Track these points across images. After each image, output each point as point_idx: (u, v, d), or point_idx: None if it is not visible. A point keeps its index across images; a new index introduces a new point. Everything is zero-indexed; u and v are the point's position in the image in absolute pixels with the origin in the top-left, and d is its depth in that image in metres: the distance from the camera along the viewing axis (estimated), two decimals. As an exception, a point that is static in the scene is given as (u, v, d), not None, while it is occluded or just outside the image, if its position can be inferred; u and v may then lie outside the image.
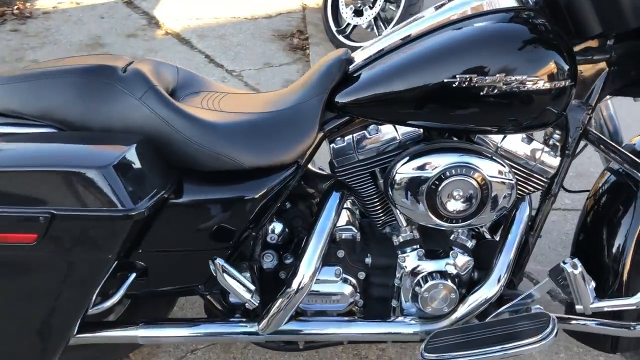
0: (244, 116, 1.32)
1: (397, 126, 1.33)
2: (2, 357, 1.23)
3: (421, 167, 1.27)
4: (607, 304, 1.31)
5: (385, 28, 3.34)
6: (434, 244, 1.42)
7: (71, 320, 1.19)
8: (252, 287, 1.30)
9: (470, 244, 1.43)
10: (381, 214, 1.43)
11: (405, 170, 1.28)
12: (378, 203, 1.41)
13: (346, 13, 3.47)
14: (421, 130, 1.34)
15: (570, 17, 1.29)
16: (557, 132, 1.40)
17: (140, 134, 1.22)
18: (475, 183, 1.26)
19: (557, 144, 1.40)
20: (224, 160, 1.26)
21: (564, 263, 1.29)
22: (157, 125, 1.24)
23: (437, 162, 1.27)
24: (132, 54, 3.28)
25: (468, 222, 1.31)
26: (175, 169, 1.24)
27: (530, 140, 1.37)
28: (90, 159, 1.09)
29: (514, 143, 1.36)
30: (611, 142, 1.45)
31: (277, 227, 1.43)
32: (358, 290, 1.43)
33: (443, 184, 1.26)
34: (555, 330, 1.32)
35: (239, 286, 1.29)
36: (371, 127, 1.35)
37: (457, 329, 1.39)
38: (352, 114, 1.34)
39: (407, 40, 1.31)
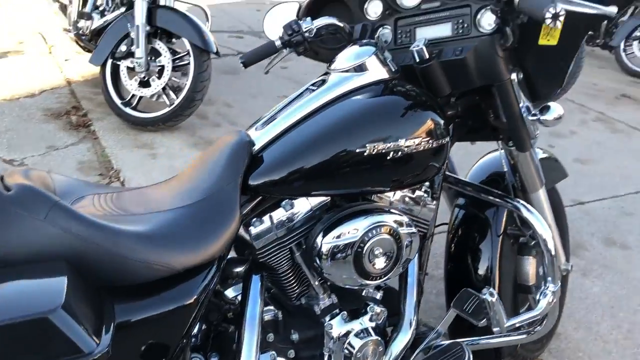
0: (161, 215, 1.21)
1: (308, 198, 1.37)
2: None
3: (344, 235, 1.33)
4: (518, 320, 1.53)
5: (177, 97, 3.30)
6: (351, 304, 1.48)
7: None
8: None
9: (379, 295, 1.52)
10: (296, 288, 1.43)
11: (329, 240, 1.32)
12: (293, 277, 1.42)
13: (131, 85, 3.34)
14: (329, 198, 1.41)
15: (424, 81, 1.50)
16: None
17: (55, 259, 1.03)
18: (391, 238, 1.37)
19: (428, 190, 1.59)
20: (155, 267, 1.14)
21: (483, 294, 1.47)
22: (73, 244, 1.06)
23: (357, 227, 1.34)
24: None
25: (388, 275, 1.40)
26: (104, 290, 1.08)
27: (412, 191, 1.53)
28: (31, 304, 0.89)
29: (401, 196, 1.51)
30: (465, 179, 1.71)
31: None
32: None
33: (366, 245, 1.34)
34: (470, 355, 1.49)
35: None
36: (284, 202, 1.36)
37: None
38: (266, 194, 1.34)
39: (304, 117, 1.37)
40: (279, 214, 1.35)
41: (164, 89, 3.32)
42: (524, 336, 1.62)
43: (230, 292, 1.44)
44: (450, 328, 1.65)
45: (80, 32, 3.60)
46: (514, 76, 1.49)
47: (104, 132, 3.31)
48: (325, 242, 1.32)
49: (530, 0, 1.18)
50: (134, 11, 3.24)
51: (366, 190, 1.41)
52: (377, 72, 1.42)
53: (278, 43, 1.58)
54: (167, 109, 3.30)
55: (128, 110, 3.34)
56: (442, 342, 1.55)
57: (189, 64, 3.28)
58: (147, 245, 1.13)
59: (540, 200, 1.67)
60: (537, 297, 1.59)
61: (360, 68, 1.42)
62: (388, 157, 1.34)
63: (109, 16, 3.65)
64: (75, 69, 4.17)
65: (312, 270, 1.41)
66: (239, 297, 1.41)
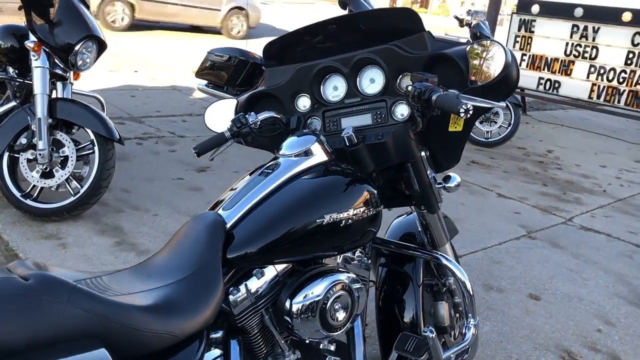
0: (159, 290, 1.36)
1: (275, 265, 1.59)
2: None
3: (310, 295, 1.56)
4: (451, 352, 1.83)
5: (81, 186, 3.33)
6: (312, 356, 1.69)
7: None
8: None
9: (332, 347, 1.75)
10: (264, 348, 1.62)
11: (298, 300, 1.55)
12: (261, 338, 1.61)
13: (32, 177, 3.31)
14: (291, 265, 1.64)
15: (353, 160, 1.82)
16: None
17: (80, 337, 1.15)
18: (346, 294, 1.62)
19: (362, 251, 1.89)
20: (163, 336, 1.29)
21: (424, 332, 1.75)
22: (94, 322, 1.19)
23: (319, 287, 1.58)
24: None
25: (345, 326, 1.64)
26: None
27: (353, 253, 1.82)
28: None
29: (344, 257, 1.79)
30: (389, 240, 2.03)
31: None
32: None
33: (329, 302, 1.58)
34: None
35: None
36: (255, 271, 1.57)
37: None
38: (240, 265, 1.54)
39: (266, 195, 1.61)
40: (252, 282, 1.55)
41: (67, 178, 3.34)
42: (457, 366, 1.93)
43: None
44: None
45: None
46: (423, 153, 1.86)
47: (4, 225, 3.22)
48: (295, 303, 1.55)
49: (445, 99, 1.55)
50: (32, 104, 3.28)
51: (321, 255, 1.67)
52: (319, 155, 1.72)
53: (227, 134, 1.81)
54: (72, 198, 3.31)
55: (29, 202, 3.30)
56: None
57: (92, 153, 3.35)
58: (154, 317, 1.29)
59: (448, 253, 2.03)
60: (463, 331, 1.92)
61: (306, 153, 1.71)
62: (340, 225, 1.61)
63: (-1, 109, 3.62)
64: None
65: (280, 329, 1.61)
66: None
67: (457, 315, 2.20)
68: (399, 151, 1.82)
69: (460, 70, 1.70)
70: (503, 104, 1.68)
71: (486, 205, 4.73)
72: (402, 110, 1.80)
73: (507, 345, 2.74)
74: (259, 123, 1.81)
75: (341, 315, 1.61)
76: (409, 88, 1.67)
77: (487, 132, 6.64)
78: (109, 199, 3.75)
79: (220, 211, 1.63)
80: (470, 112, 1.49)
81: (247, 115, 1.80)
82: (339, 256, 1.77)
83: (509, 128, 6.56)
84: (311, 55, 1.89)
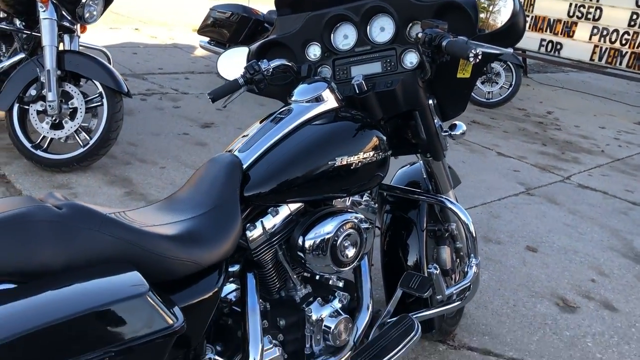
0: (183, 222, 1.44)
1: (289, 205, 1.67)
2: None
3: (321, 232, 1.65)
4: (454, 288, 1.93)
5: (90, 138, 3.39)
6: (322, 292, 1.79)
7: None
8: None
9: (341, 284, 1.84)
10: (277, 281, 1.72)
11: (310, 237, 1.64)
12: (275, 273, 1.70)
13: (42, 128, 3.37)
14: (303, 205, 1.72)
15: (362, 108, 1.88)
16: None
17: (111, 262, 1.24)
18: (355, 233, 1.71)
19: (369, 195, 1.97)
20: (187, 264, 1.37)
21: (429, 269, 1.85)
22: (123, 248, 1.27)
23: (330, 225, 1.66)
24: None
25: (354, 262, 1.73)
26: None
27: (361, 196, 1.90)
28: (124, 290, 1.10)
29: (352, 201, 1.87)
30: (395, 185, 2.11)
31: None
32: (283, 351, 1.67)
33: (339, 239, 1.66)
34: (418, 325, 1.86)
35: None
36: (270, 210, 1.65)
37: (361, 349, 1.78)
38: (256, 203, 1.62)
39: (280, 139, 1.67)
40: (267, 220, 1.64)
41: (76, 130, 3.40)
42: (458, 303, 2.03)
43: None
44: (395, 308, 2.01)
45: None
46: (430, 102, 1.92)
47: (16, 175, 3.29)
48: (307, 239, 1.63)
49: (455, 45, 1.61)
50: (41, 56, 3.31)
51: (331, 196, 1.75)
52: (330, 101, 1.78)
53: (241, 81, 1.87)
54: (81, 150, 3.37)
55: (39, 152, 3.36)
56: (393, 318, 1.91)
57: (100, 105, 3.40)
58: (179, 246, 1.37)
59: (452, 199, 2.11)
60: (465, 270, 2.02)
61: (317, 99, 1.77)
62: (350, 168, 1.69)
63: (6, 62, 3.65)
64: (-39, 115, 4.04)
65: (293, 265, 1.70)
66: (229, 296, 1.65)
67: (458, 260, 2.30)
68: (407, 99, 1.88)
69: (469, 18, 1.74)
70: (510, 50, 1.74)
71: (486, 164, 4.81)
72: (411, 58, 1.85)
73: (504, 292, 2.85)
74: (271, 70, 1.87)
75: (350, 252, 1.70)
76: (419, 35, 1.72)
77: (489, 92, 6.67)
78: (116, 151, 3.81)
79: (237, 153, 1.70)
80: (479, 57, 1.54)
81: (259, 62, 1.86)
82: (347, 199, 1.85)
83: (510, 89, 6.59)
84: (322, 3, 1.93)
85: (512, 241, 3.43)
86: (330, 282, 1.81)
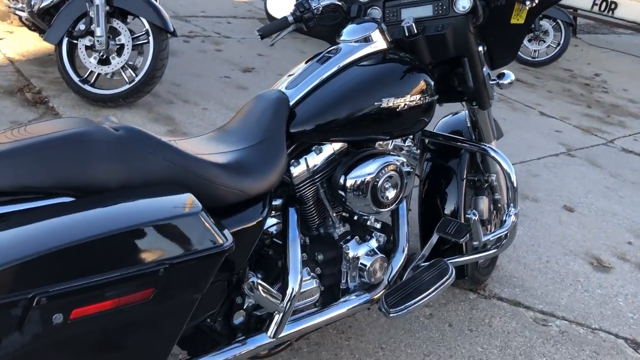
0: (232, 153, 1.49)
1: (332, 144, 1.70)
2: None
3: (363, 173, 1.67)
4: (491, 235, 1.96)
5: (136, 75, 3.45)
6: (360, 231, 1.83)
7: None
8: (280, 296, 1.49)
9: (378, 225, 1.88)
10: (317, 218, 1.76)
11: (352, 176, 1.66)
12: (315, 210, 1.74)
13: (90, 63, 3.43)
14: (346, 145, 1.74)
15: (410, 52, 1.87)
16: None
17: (165, 184, 1.29)
18: (397, 175, 1.73)
19: (412, 141, 1.98)
20: (234, 192, 1.42)
21: (467, 215, 1.87)
22: (177, 173, 1.32)
23: (373, 166, 1.69)
24: None
25: (393, 205, 1.76)
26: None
27: (403, 141, 1.91)
28: (178, 208, 1.16)
29: (395, 145, 1.88)
30: (436, 132, 2.11)
31: None
32: (320, 284, 1.73)
33: (380, 180, 1.69)
34: (452, 269, 1.89)
35: (271, 298, 1.46)
36: (314, 148, 1.68)
37: (394, 289, 1.82)
38: (301, 140, 1.65)
39: (328, 77, 1.69)
40: (311, 157, 1.67)
41: (122, 67, 3.46)
42: (494, 251, 2.06)
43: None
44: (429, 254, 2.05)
45: (34, 9, 3.61)
46: (480, 48, 1.90)
47: (64, 108, 3.39)
48: (349, 178, 1.66)
49: None
50: (90, -9, 3.34)
51: (375, 137, 1.76)
52: (380, 42, 1.78)
53: (290, 18, 1.87)
54: (127, 86, 3.44)
55: (87, 87, 3.44)
56: (427, 262, 1.95)
57: (146, 43, 3.44)
58: (228, 174, 1.42)
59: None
60: (504, 219, 2.03)
61: (366, 39, 1.76)
62: (396, 110, 1.70)
63: (58, -5, 3.69)
64: (12, 47, 4.14)
65: (333, 203, 1.74)
66: (270, 228, 1.70)
67: (495, 211, 2.31)
68: (457, 44, 1.86)
69: None
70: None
71: (527, 123, 4.73)
72: (464, 2, 1.82)
73: (538, 248, 2.86)
74: (320, 9, 1.87)
75: (390, 194, 1.72)
76: None
77: (535, 50, 6.48)
78: (160, 90, 3.87)
79: (284, 90, 1.72)
80: (536, 0, 1.51)
81: (309, 0, 1.85)
82: (390, 142, 1.86)
83: (558, 48, 6.39)
84: None
85: (549, 200, 3.40)
86: (368, 222, 1.85)
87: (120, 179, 1.25)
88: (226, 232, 1.23)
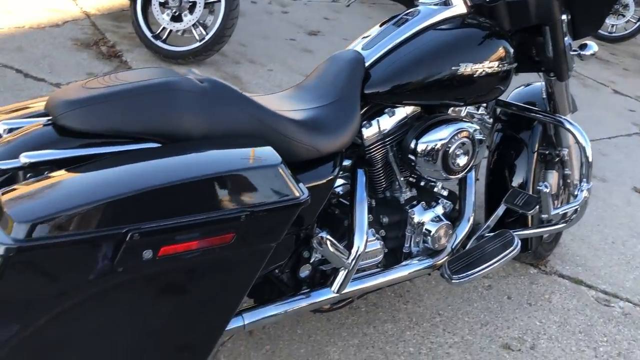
0: (307, 111, 1.51)
1: (405, 107, 1.70)
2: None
3: (435, 138, 1.67)
4: (562, 209, 1.93)
5: (206, 33, 3.50)
6: (426, 197, 1.83)
7: (231, 311, 1.25)
8: (346, 253, 1.52)
9: (445, 192, 1.87)
10: (384, 181, 1.77)
11: (425, 140, 1.66)
12: (383, 172, 1.75)
13: (163, 19, 3.51)
14: (419, 108, 1.73)
15: (490, 18, 1.82)
16: None
17: (245, 136, 1.32)
18: (469, 142, 1.71)
19: (484, 109, 1.95)
20: (308, 149, 1.45)
21: (539, 187, 1.85)
22: (257, 126, 1.35)
23: (445, 132, 1.68)
24: None
25: (464, 171, 1.75)
26: None
27: (477, 109, 1.88)
28: (262, 160, 1.19)
29: (467, 112, 1.86)
30: (510, 101, 2.07)
31: None
32: (384, 246, 1.75)
33: (452, 147, 1.68)
34: (517, 241, 1.87)
35: (338, 253, 1.50)
36: (387, 110, 1.68)
37: (457, 256, 1.83)
38: (375, 101, 1.65)
39: (405, 40, 1.67)
40: (383, 120, 1.67)
41: (194, 24, 3.52)
42: (562, 225, 2.02)
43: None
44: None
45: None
46: (563, 17, 1.83)
47: (136, 62, 3.49)
48: (421, 143, 1.66)
49: None
50: (165, -53, 3.39)
51: (448, 103, 1.75)
52: (459, 6, 1.74)
53: None
54: (197, 44, 3.50)
55: (159, 42, 3.52)
56: (492, 233, 1.93)
57: (218, 2, 3.48)
58: (303, 131, 1.44)
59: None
60: (575, 193, 1.99)
61: (445, 3, 1.73)
62: (473, 76, 1.67)
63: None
64: (88, 1, 4.26)
65: (401, 167, 1.74)
66: (338, 189, 1.72)
67: (564, 187, 2.26)
68: (539, 12, 1.80)
69: None
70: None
71: (599, 100, 4.55)
72: (550, -33, 1.76)
73: (604, 229, 2.78)
74: None
75: (461, 162, 1.71)
76: None
77: (612, 25, 6.19)
78: (227, 50, 3.92)
79: (360, 50, 1.72)
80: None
81: None
82: (463, 109, 1.84)
83: (638, 24, 6.08)
84: None
85: (619, 181, 3.29)
86: (435, 189, 1.84)
87: (203, 128, 1.29)
88: (302, 185, 1.25)
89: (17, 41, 3.41)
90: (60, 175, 1.06)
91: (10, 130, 1.26)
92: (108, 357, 1.14)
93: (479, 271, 1.78)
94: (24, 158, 1.10)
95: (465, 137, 1.70)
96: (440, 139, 1.67)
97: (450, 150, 1.68)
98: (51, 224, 0.96)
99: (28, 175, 1.14)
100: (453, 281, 1.76)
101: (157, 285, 1.12)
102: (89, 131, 1.19)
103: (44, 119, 1.22)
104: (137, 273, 1.06)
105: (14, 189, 1.02)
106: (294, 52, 4.24)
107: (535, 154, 2.09)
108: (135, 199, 1.02)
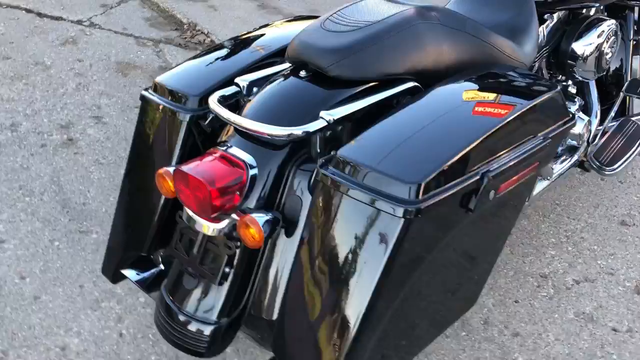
0: (506, 25, 1.51)
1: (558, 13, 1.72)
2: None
3: (593, 39, 1.72)
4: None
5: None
6: (566, 97, 1.89)
7: (507, 235, 1.31)
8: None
9: (574, 90, 1.94)
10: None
11: (584, 42, 1.71)
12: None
13: None
14: (567, 12, 1.76)
15: None
16: None
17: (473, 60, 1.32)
18: (614, 38, 1.78)
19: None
20: (520, 65, 1.46)
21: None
22: (482, 48, 1.35)
23: (599, 33, 1.73)
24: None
25: (607, 67, 1.83)
26: None
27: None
28: (546, 87, 1.21)
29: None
30: None
31: None
32: None
33: (607, 45, 1.74)
34: (641, 126, 2.01)
35: None
36: (546, 16, 1.70)
37: (599, 150, 1.94)
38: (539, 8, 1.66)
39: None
40: (541, 27, 1.69)
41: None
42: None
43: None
44: None
45: None
46: None
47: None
48: (580, 45, 1.71)
49: None
50: None
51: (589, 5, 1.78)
52: None
53: None
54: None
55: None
56: (614, 122, 2.05)
57: None
58: (514, 46, 1.45)
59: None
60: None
61: None
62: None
63: None
64: None
65: (551, 71, 1.79)
66: None
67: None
68: None
69: None
70: None
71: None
72: None
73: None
74: None
75: (609, 58, 1.78)
76: None
77: None
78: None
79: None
80: None
81: None
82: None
83: None
84: None
85: None
86: (569, 88, 1.91)
87: (446, 59, 1.27)
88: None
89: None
90: (402, 129, 1.04)
91: (251, 86, 1.20)
92: (434, 296, 1.18)
93: (627, 159, 1.91)
94: (327, 115, 1.06)
95: (614, 34, 1.75)
96: (598, 38, 1.72)
97: (605, 48, 1.74)
98: (434, 179, 0.95)
99: (328, 133, 1.10)
100: (607, 173, 1.88)
101: (483, 223, 1.16)
102: (362, 78, 1.15)
103: (302, 72, 1.16)
104: (481, 213, 1.08)
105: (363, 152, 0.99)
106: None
107: (631, 42, 2.18)
108: (480, 145, 1.03)
